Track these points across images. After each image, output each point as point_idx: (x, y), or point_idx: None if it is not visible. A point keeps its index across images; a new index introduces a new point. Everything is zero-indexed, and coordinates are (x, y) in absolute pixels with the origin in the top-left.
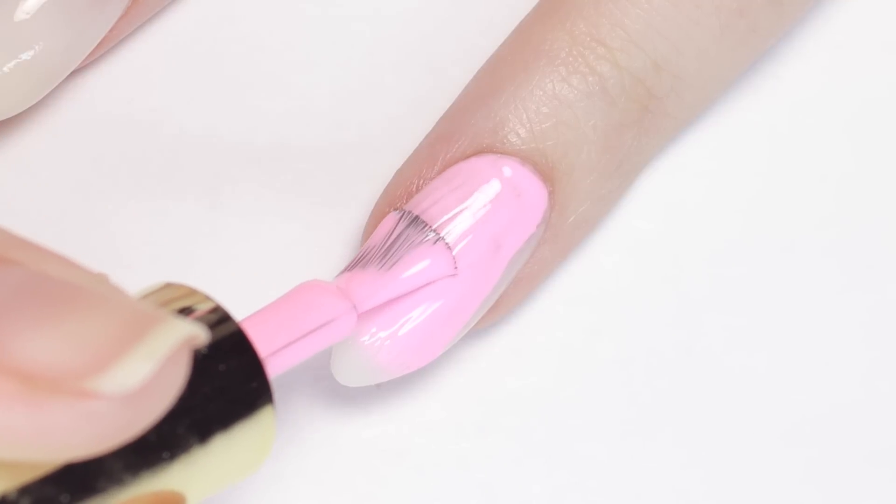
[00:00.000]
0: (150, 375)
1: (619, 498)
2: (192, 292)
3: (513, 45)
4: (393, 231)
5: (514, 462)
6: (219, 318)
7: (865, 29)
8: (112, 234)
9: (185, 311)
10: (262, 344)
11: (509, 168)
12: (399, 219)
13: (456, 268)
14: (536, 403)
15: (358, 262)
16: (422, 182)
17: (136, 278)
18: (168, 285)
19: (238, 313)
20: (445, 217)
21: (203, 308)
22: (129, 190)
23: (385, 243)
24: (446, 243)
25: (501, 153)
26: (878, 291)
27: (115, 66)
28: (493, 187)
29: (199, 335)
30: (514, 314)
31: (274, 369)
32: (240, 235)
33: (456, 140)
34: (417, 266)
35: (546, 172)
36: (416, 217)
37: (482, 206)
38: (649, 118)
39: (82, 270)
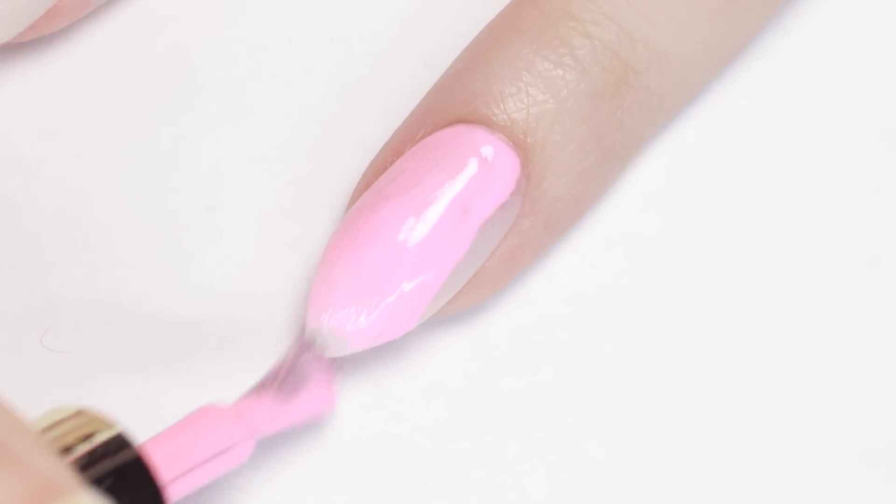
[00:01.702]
0: None
1: (619, 497)
2: (96, 419)
3: (489, 25)
4: (289, 358)
5: (513, 461)
6: (119, 446)
7: (866, 26)
8: (110, 234)
9: (89, 437)
10: (162, 472)
11: (478, 136)
12: (298, 346)
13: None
14: (536, 402)
15: (260, 387)
16: (396, 158)
17: (135, 279)
18: (79, 412)
19: (240, 316)
20: (412, 185)
21: (105, 436)
22: (127, 190)
23: (281, 371)
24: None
25: (471, 123)
26: (877, 290)
27: (115, 65)
28: (460, 156)
29: None
30: (513, 313)
31: (173, 495)
32: (239, 235)
33: (429, 117)
34: (308, 401)
35: (517, 141)
36: (312, 344)
37: (449, 173)
38: (631, 94)
39: (8, 422)
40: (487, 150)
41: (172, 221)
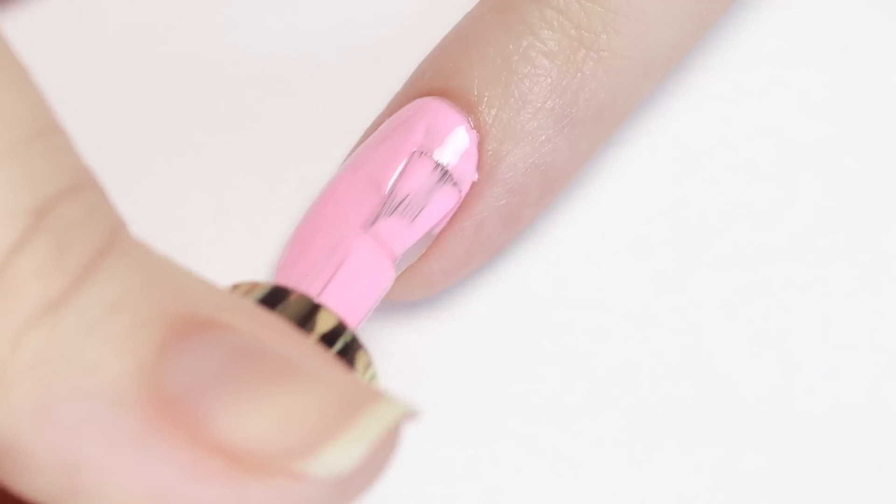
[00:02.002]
0: (363, 459)
1: (625, 503)
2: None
3: None
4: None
5: (520, 468)
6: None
7: (871, 30)
8: None
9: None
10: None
11: (426, 105)
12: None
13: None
14: (542, 409)
15: (387, 209)
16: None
17: None
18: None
19: None
20: (367, 154)
21: (303, 310)
22: (131, 196)
23: (408, 195)
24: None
25: (421, 96)
26: (885, 296)
27: (116, 66)
28: (408, 125)
29: (414, 414)
30: (520, 320)
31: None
32: (244, 242)
33: (393, 102)
34: (438, 212)
35: (469, 107)
36: (439, 166)
37: (395, 141)
38: (592, 57)
39: (295, 339)
40: (435, 118)
41: (174, 223)
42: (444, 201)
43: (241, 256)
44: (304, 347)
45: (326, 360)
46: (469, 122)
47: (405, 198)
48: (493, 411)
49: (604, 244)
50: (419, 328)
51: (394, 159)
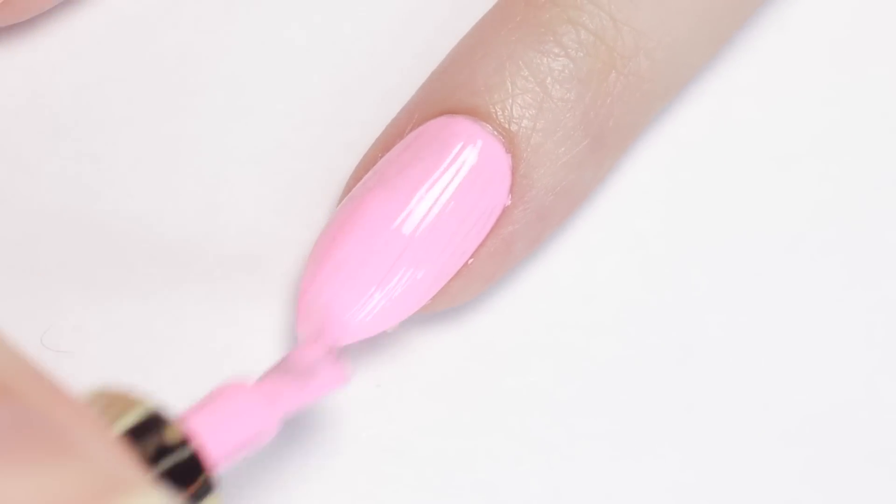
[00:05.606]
0: None
1: (619, 497)
2: (136, 402)
3: (480, 20)
4: (302, 351)
5: (514, 461)
6: (172, 433)
7: (866, 29)
8: (110, 234)
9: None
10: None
11: (461, 126)
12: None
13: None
14: (536, 403)
15: (279, 371)
16: (384, 154)
17: (136, 279)
18: (116, 394)
19: (245, 314)
20: (395, 175)
21: (144, 418)
22: (127, 191)
23: (296, 360)
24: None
25: (455, 114)
26: (879, 290)
27: (115, 64)
28: (443, 146)
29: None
30: (515, 314)
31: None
32: (239, 236)
33: (416, 111)
34: (325, 383)
35: (502, 130)
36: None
37: (430, 162)
38: (622, 81)
39: (75, 410)
40: (470, 140)
41: (171, 221)
42: (334, 376)
43: (236, 252)
44: (76, 416)
45: (97, 434)
46: (504, 145)
47: (299, 365)
48: (488, 405)
49: (599, 239)
50: (413, 322)
51: (429, 183)
